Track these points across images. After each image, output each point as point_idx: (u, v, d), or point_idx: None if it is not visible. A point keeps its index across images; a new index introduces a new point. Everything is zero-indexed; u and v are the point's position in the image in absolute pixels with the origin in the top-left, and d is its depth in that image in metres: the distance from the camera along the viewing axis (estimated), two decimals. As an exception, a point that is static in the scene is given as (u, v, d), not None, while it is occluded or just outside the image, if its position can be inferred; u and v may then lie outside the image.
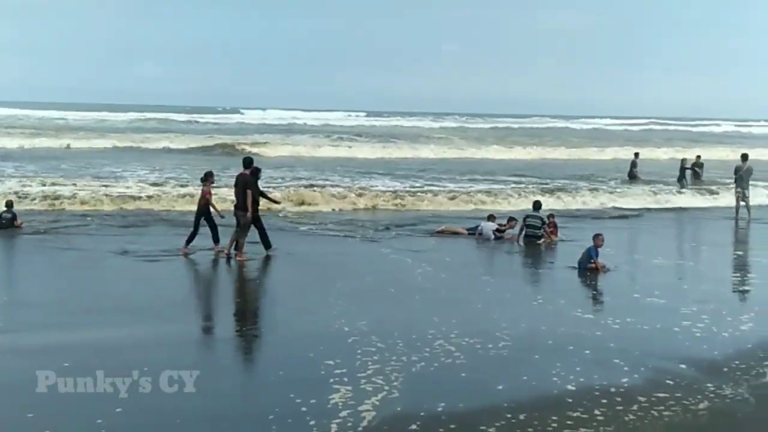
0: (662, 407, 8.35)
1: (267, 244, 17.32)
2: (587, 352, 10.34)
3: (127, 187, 26.77)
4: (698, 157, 36.34)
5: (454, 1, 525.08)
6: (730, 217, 24.98)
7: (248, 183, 16.75)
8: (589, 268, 15.60)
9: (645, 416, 8.13)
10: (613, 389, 8.85)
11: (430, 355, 10.08)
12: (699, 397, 8.67)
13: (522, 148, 53.66)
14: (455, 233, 20.58)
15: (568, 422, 7.92)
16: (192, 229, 17.43)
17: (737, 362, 9.87)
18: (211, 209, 17.47)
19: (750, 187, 25.95)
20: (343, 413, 8.08)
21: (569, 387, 8.93)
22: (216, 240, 17.42)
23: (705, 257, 18.85)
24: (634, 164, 35.91)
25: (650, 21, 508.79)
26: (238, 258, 16.56)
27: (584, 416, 8.08)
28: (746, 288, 15.10)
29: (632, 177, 35.23)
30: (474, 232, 20.31)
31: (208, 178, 17.90)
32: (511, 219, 20.50)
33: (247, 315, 12.86)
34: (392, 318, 12.03)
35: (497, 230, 20.01)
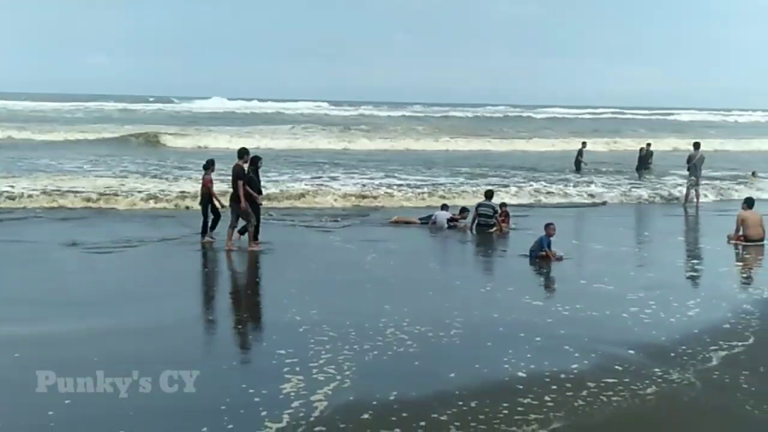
0: (611, 392, 8.46)
1: (213, 227, 17.37)
2: (538, 339, 10.44)
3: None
4: (648, 145, 36.87)
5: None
6: (676, 205, 25.48)
7: (238, 174, 16.62)
8: (540, 257, 15.75)
9: (594, 401, 8.23)
10: (563, 375, 8.94)
11: (383, 344, 10.08)
12: (647, 382, 8.80)
13: (489, 140, 53.63)
14: (408, 223, 20.63)
15: (519, 408, 7.99)
16: (202, 218, 17.40)
17: (684, 347, 10.04)
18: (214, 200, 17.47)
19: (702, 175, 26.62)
20: (295, 403, 8.04)
21: (520, 374, 9.01)
22: (212, 228, 17.42)
23: (653, 245, 19.12)
24: (580, 153, 36.14)
25: (602, 11, 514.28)
26: (251, 248, 16.56)
27: (534, 402, 8.15)
28: (693, 274, 15.37)
29: (578, 167, 35.45)
30: (427, 221, 20.38)
31: (209, 167, 17.72)
32: (463, 210, 20.62)
33: (197, 305, 12.73)
34: (344, 307, 12.02)
35: (451, 219, 20.10)
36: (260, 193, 17.37)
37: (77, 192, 23.40)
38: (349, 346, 9.91)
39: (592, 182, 30.36)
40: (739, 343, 10.27)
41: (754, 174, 31.90)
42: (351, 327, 10.70)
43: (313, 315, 11.37)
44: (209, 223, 17.44)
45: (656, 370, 9.17)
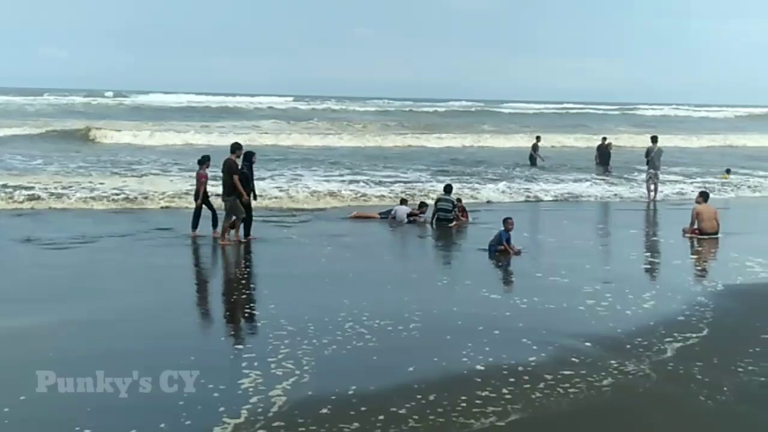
0: (568, 384, 8.54)
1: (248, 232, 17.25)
2: (496, 332, 10.49)
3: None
4: (604, 139, 37.28)
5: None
6: (632, 200, 25.78)
7: (231, 168, 16.59)
8: (499, 251, 15.83)
9: (551, 393, 8.30)
10: (520, 368, 9.00)
11: (342, 338, 10.07)
12: (603, 373, 8.89)
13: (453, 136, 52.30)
14: (368, 218, 20.63)
15: (477, 401, 8.02)
16: (210, 212, 17.60)
17: (639, 339, 10.16)
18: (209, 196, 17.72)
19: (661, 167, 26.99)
20: (254, 399, 8.00)
21: (478, 367, 9.06)
22: (195, 226, 17.48)
23: (609, 238, 19.34)
24: (535, 148, 36.35)
25: (562, 5, 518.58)
26: (242, 240, 16.85)
27: (493, 395, 8.20)
28: (649, 267, 15.58)
29: (533, 162, 35.62)
30: (387, 216, 20.40)
31: (204, 162, 17.82)
32: (422, 204, 20.70)
33: (155, 301, 12.57)
34: (303, 301, 11.99)
35: (410, 214, 20.14)
36: (252, 189, 17.37)
37: (26, 188, 23.00)
38: (307, 341, 9.88)
39: (559, 180, 30.45)
40: (694, 335, 10.42)
41: (728, 171, 31.79)
42: (310, 321, 10.67)
43: (271, 309, 11.33)
44: (199, 220, 17.58)
45: (612, 361, 9.27)
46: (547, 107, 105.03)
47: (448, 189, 20.33)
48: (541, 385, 8.51)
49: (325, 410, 7.78)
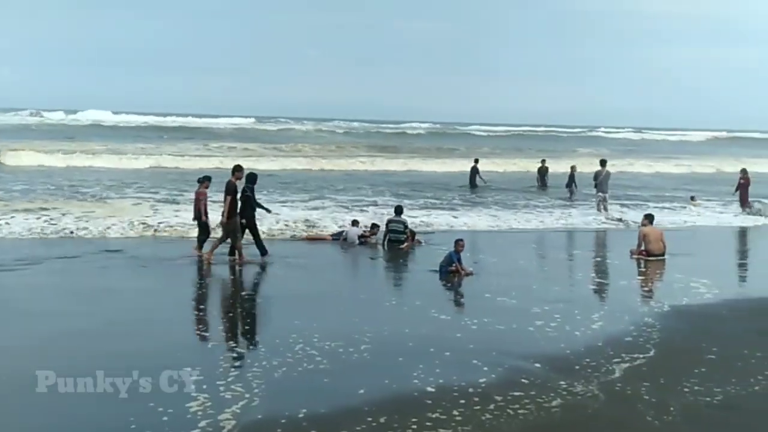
0: (517, 405, 8.58)
1: (262, 250, 17.46)
2: (447, 353, 10.51)
3: None
4: (543, 161, 37.78)
5: (313, 6, 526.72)
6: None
7: (227, 189, 16.93)
8: (450, 272, 15.90)
9: (501, 415, 8.33)
10: (471, 389, 9.03)
11: (293, 360, 10.00)
12: (552, 394, 8.96)
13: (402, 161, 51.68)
14: (320, 239, 20.58)
15: (428, 423, 8.02)
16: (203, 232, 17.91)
17: (588, 360, 10.27)
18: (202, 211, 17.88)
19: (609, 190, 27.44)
20: (202, 423, 7.89)
21: (429, 389, 9.06)
22: (199, 247, 17.59)
23: (558, 260, 19.52)
24: (475, 170, 36.62)
25: (515, 28, 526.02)
26: (238, 261, 16.91)
27: (443, 417, 8.20)
28: (597, 288, 15.77)
29: (473, 185, 35.88)
30: (338, 237, 20.37)
31: (204, 181, 18.25)
32: (374, 226, 20.70)
33: (105, 324, 12.35)
34: (253, 323, 11.90)
35: (362, 236, 20.14)
36: (256, 210, 17.74)
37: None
38: (258, 363, 9.80)
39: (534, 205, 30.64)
40: (641, 356, 10.56)
41: (693, 198, 31.60)
42: (260, 343, 10.59)
43: (220, 331, 11.21)
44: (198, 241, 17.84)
45: (561, 382, 9.35)
46: (509, 130, 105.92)
47: (398, 210, 20.36)
48: (491, 406, 8.54)
49: (275, 434, 7.71)
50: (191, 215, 18.73)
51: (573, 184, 33.23)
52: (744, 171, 30.74)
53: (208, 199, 18.37)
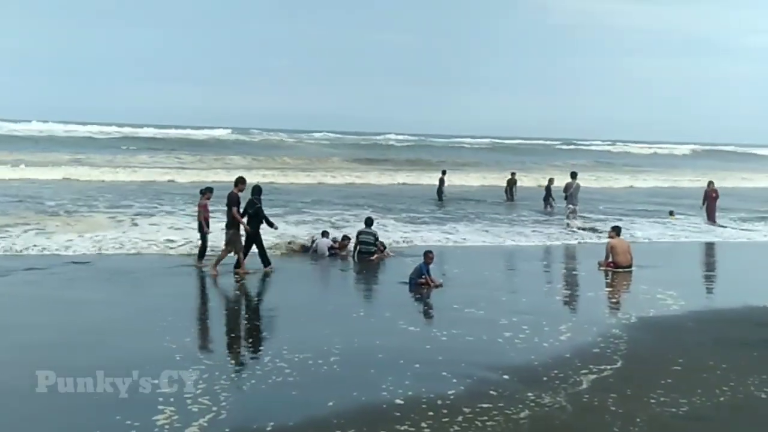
0: (486, 417, 8.60)
1: (266, 262, 17.66)
2: (417, 365, 10.52)
3: None
4: (513, 174, 38.00)
5: (280, 15, 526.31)
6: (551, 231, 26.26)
7: (231, 200, 17.24)
8: (419, 283, 15.93)
9: (469, 427, 8.35)
10: (439, 401, 9.04)
11: (261, 373, 9.96)
12: (520, 406, 8.99)
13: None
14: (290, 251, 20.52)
15: (396, 436, 8.02)
16: (201, 243, 18.11)
17: (556, 371, 10.32)
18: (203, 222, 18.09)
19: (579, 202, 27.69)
20: (168, 436, 7.83)
21: (398, 401, 9.05)
22: (200, 257, 18.00)
23: (527, 272, 19.57)
24: (441, 182, 36.77)
25: (486, 41, 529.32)
26: (239, 272, 17.00)
27: (411, 429, 8.20)
28: (565, 300, 15.86)
29: (440, 196, 36.01)
30: (308, 249, 20.33)
31: (205, 192, 18.51)
32: (344, 237, 20.68)
33: (70, 335, 12.22)
34: (221, 335, 11.83)
35: (332, 247, 20.12)
36: (267, 221, 18.00)
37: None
38: (225, 376, 9.74)
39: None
40: (608, 367, 10.63)
41: (671, 213, 31.37)
42: (228, 355, 10.52)
43: (187, 343, 11.13)
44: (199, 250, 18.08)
45: (529, 394, 9.39)
46: (481, 142, 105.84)
47: (369, 222, 20.37)
48: (460, 418, 8.55)
49: (242, 447, 7.66)
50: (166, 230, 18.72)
51: (550, 198, 33.22)
52: (711, 183, 31.02)
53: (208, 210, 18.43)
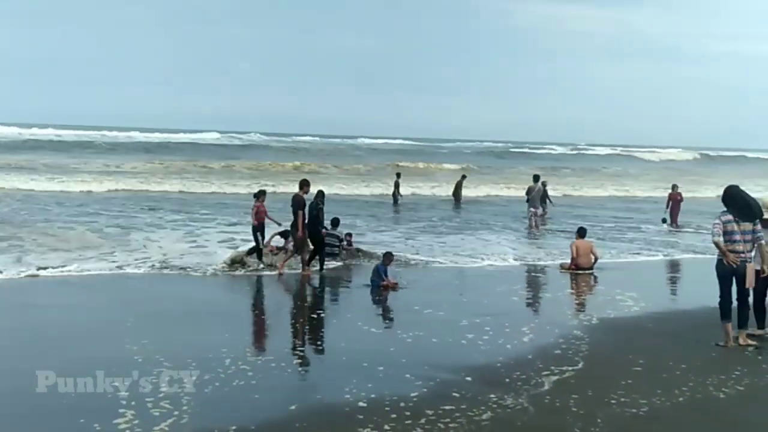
0: (448, 419, 8.61)
1: (322, 266, 18.32)
2: (380, 368, 10.51)
3: None
4: (463, 177, 38.58)
5: (241, 21, 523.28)
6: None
7: (299, 204, 17.63)
8: (382, 286, 15.93)
9: (432, 429, 8.35)
10: (402, 404, 9.03)
11: (224, 376, 9.88)
12: (483, 408, 9.01)
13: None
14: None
15: (359, 438, 8.01)
16: (254, 244, 18.72)
17: (518, 373, 10.37)
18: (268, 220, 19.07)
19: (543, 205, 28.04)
20: (130, 440, 7.74)
21: (361, 404, 9.03)
22: (259, 257, 18.63)
23: (489, 273, 19.64)
24: (396, 185, 37.09)
25: (438, 45, 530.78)
26: (304, 273, 17.69)
27: (374, 432, 8.20)
28: (527, 301, 15.96)
29: (395, 200, 36.32)
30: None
31: (260, 196, 19.34)
32: (348, 235, 20.69)
33: (32, 339, 12.03)
34: (182, 338, 11.73)
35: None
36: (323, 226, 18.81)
37: None
38: (187, 379, 9.64)
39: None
40: (570, 368, 10.72)
41: (664, 221, 30.51)
42: (189, 358, 10.42)
43: (146, 345, 11.02)
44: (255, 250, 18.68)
45: (491, 395, 9.42)
46: (459, 146, 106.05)
47: (335, 223, 20.39)
48: (423, 420, 8.55)
49: (204, 452, 7.60)
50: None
51: (547, 199, 32.66)
52: (675, 187, 31.03)
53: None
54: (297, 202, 17.70)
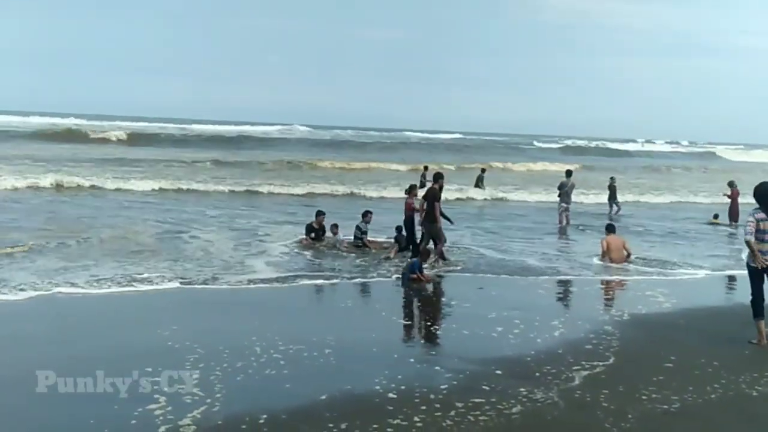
0: (478, 412, 8.63)
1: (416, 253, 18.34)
2: (411, 359, 10.57)
3: None
4: (425, 168, 38.34)
5: (274, 12, 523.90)
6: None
7: (435, 196, 18.29)
8: (412, 279, 15.95)
9: (462, 421, 8.37)
10: (432, 396, 9.06)
11: (256, 365, 9.97)
12: (512, 401, 9.01)
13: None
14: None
15: (389, 429, 8.03)
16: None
17: (548, 367, 10.35)
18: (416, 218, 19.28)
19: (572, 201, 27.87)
20: (162, 428, 7.83)
21: (391, 395, 9.07)
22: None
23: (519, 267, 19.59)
24: (423, 177, 36.95)
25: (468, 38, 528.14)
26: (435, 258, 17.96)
27: (404, 423, 8.22)
28: (558, 295, 15.90)
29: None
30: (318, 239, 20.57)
31: (411, 190, 20.25)
32: (334, 226, 20.77)
33: (61, 326, 12.21)
34: (215, 327, 11.84)
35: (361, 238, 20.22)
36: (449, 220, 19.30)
37: None
38: (219, 367, 9.75)
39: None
40: (600, 363, 10.68)
41: (716, 216, 30.34)
42: (221, 346, 10.53)
43: (181, 334, 11.14)
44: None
45: (521, 389, 9.42)
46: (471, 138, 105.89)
47: (363, 215, 20.53)
48: (452, 413, 8.58)
49: (235, 439, 7.68)
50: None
51: (614, 199, 32.94)
52: (733, 183, 30.73)
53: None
54: (432, 195, 18.28)
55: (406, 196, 20.60)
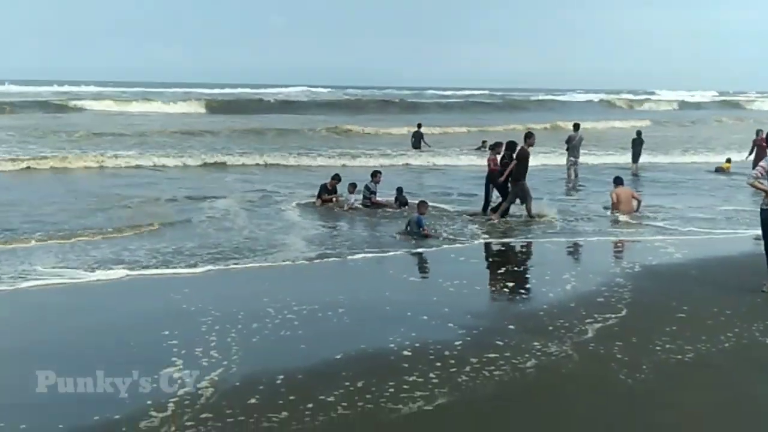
0: (493, 367, 8.69)
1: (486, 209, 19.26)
2: (424, 317, 10.59)
3: None
4: (419, 125, 39.05)
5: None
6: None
7: (523, 156, 18.51)
8: (424, 235, 15.95)
9: (477, 376, 8.43)
10: (447, 352, 9.12)
11: (271, 326, 10.04)
12: (527, 355, 9.07)
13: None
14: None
15: (405, 386, 8.10)
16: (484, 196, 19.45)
17: (561, 321, 10.39)
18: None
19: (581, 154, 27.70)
20: (181, 391, 7.90)
21: (405, 352, 9.13)
22: (493, 210, 18.92)
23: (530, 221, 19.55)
24: (419, 135, 38.13)
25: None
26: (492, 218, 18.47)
27: (420, 380, 8.28)
28: (568, 249, 15.91)
29: (417, 145, 37.53)
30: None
31: (495, 147, 19.68)
32: (351, 185, 20.78)
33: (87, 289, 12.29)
34: (230, 290, 11.90)
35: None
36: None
37: None
38: (235, 329, 9.82)
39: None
40: (613, 316, 10.71)
41: (728, 161, 30.06)
42: (238, 309, 10.60)
43: (196, 296, 11.22)
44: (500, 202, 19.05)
45: (535, 343, 9.47)
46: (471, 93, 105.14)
47: (372, 175, 20.56)
48: (467, 368, 8.64)
49: (253, 400, 7.75)
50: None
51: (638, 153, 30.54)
52: (759, 132, 29.76)
53: None
54: (523, 155, 18.42)
55: (489, 152, 20.37)
